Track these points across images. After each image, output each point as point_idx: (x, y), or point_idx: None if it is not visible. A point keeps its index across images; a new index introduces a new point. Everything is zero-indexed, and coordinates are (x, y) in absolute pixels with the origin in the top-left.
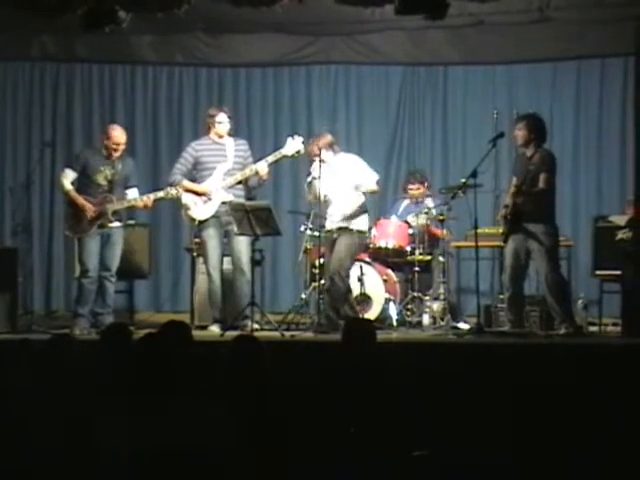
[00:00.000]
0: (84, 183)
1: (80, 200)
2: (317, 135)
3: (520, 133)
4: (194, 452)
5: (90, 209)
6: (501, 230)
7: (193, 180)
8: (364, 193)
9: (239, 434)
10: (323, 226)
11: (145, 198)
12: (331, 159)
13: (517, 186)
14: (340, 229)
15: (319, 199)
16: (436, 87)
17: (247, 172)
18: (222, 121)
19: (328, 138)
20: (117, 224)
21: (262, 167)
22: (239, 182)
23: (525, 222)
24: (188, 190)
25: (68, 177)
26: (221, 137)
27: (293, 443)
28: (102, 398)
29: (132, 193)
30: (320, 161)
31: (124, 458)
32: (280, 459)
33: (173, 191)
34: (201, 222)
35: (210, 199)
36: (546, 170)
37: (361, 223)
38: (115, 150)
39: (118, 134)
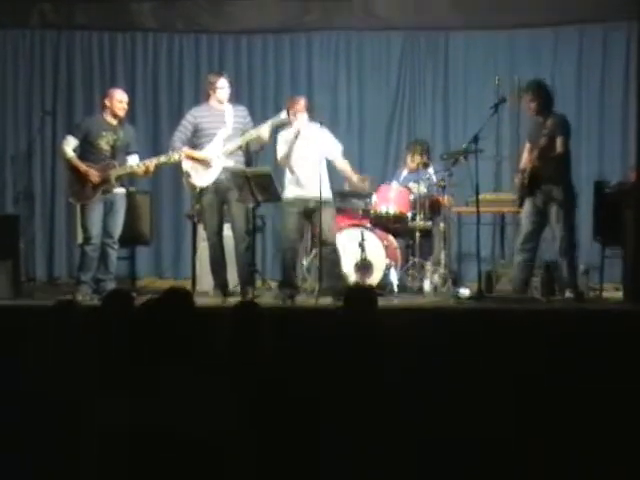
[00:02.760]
0: (86, 150)
1: (83, 166)
2: (293, 97)
3: (532, 104)
4: (194, 426)
5: (94, 174)
6: (507, 196)
7: (193, 147)
8: (330, 162)
9: (240, 404)
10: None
11: (147, 162)
12: (306, 123)
13: (539, 150)
14: (318, 202)
15: (285, 160)
16: (437, 53)
17: (248, 137)
18: (223, 87)
19: (304, 101)
20: (120, 190)
21: (264, 131)
22: (239, 147)
23: (546, 184)
24: (189, 157)
25: (70, 144)
26: (221, 103)
27: (294, 410)
28: (103, 366)
29: (133, 160)
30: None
31: (124, 430)
32: (281, 426)
33: (175, 155)
34: (202, 189)
35: (210, 166)
36: (561, 133)
37: (329, 191)
38: (120, 109)
39: (120, 93)
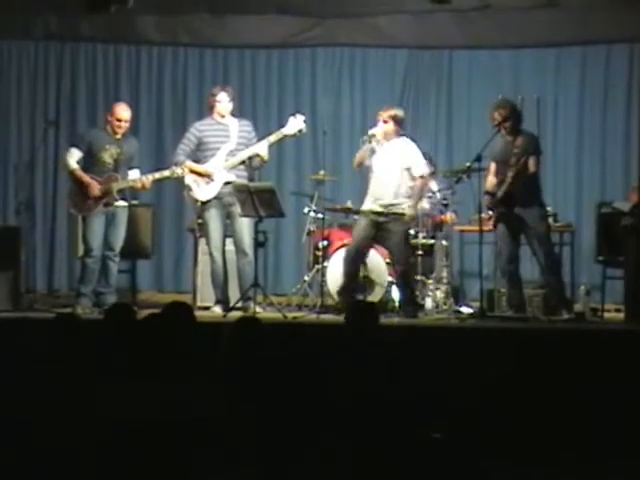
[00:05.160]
0: (89, 162)
1: (86, 178)
2: (390, 106)
3: (508, 122)
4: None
5: (96, 187)
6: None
7: (196, 161)
8: (413, 178)
9: (238, 416)
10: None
11: (144, 178)
12: (391, 134)
13: (515, 170)
14: (390, 214)
15: (362, 163)
16: (441, 71)
17: (248, 153)
18: (221, 100)
19: (400, 113)
20: (122, 203)
21: (262, 148)
22: (242, 162)
23: (518, 207)
24: (191, 171)
25: (74, 156)
26: (223, 117)
27: (293, 424)
28: (104, 378)
29: (133, 174)
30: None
31: (123, 435)
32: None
33: (179, 170)
34: (203, 203)
35: (212, 180)
36: (533, 153)
37: (407, 207)
38: (117, 127)
39: (121, 110)
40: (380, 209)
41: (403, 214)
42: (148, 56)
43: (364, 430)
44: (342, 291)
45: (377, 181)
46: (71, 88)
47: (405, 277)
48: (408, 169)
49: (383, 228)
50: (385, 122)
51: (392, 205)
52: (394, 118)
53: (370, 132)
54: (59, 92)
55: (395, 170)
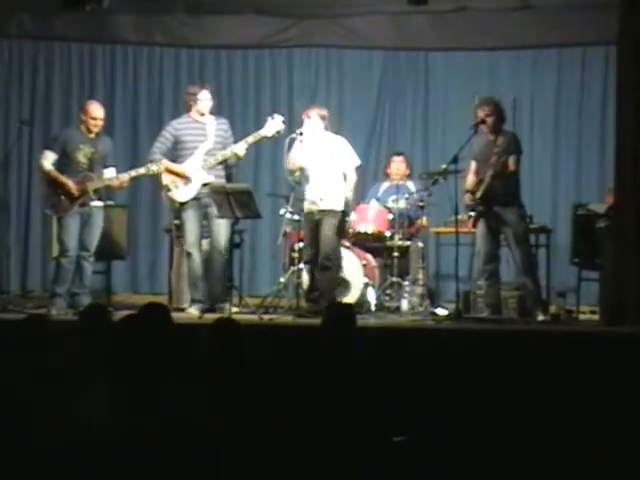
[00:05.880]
0: (64, 163)
1: (62, 178)
2: (316, 104)
3: (490, 119)
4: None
5: (73, 187)
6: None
7: (173, 160)
8: (345, 173)
9: (218, 416)
10: (301, 209)
11: (122, 176)
12: (319, 132)
13: (494, 168)
14: (322, 211)
15: (295, 168)
16: (417, 72)
17: (226, 154)
18: (203, 98)
19: (325, 111)
20: (98, 203)
21: (240, 149)
22: (220, 163)
23: (497, 206)
24: (167, 170)
25: (48, 159)
26: (202, 115)
27: (270, 426)
28: (81, 381)
29: (109, 173)
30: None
31: (105, 441)
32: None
33: (154, 167)
34: (182, 204)
35: (190, 181)
36: (514, 152)
37: (339, 204)
38: (93, 125)
39: (95, 108)
40: (316, 208)
41: (337, 210)
42: (123, 56)
43: (342, 431)
44: (311, 297)
45: (312, 180)
46: (45, 87)
47: (323, 269)
48: (341, 164)
49: (320, 224)
50: (308, 117)
51: (328, 200)
52: (318, 115)
53: (298, 131)
54: (33, 91)
55: (328, 167)
